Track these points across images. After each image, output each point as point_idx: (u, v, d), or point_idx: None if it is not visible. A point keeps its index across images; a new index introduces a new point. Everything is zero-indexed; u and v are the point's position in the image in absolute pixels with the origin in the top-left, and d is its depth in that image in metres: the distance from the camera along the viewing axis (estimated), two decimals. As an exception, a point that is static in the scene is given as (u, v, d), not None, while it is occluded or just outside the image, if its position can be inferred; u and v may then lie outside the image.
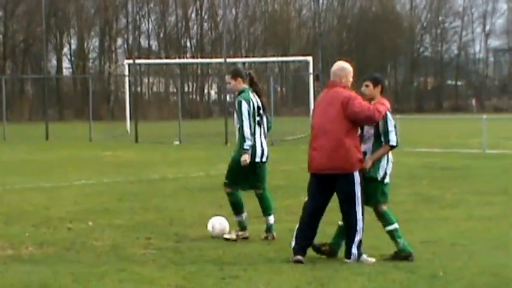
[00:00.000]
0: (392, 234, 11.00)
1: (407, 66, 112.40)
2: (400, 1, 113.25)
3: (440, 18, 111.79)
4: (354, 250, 10.77)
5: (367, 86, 11.10)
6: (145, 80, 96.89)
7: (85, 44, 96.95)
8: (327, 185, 11.01)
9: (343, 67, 11.04)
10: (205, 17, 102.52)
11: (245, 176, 12.67)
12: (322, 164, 10.90)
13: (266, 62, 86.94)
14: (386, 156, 10.98)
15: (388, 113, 10.92)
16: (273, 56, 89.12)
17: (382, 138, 10.93)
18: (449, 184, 20.32)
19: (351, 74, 11.02)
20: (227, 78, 12.95)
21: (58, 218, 14.76)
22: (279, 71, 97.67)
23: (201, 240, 12.37)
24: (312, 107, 50.89)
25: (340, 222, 11.20)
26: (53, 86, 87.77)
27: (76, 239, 12.55)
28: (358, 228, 10.83)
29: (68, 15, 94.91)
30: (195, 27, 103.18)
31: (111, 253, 11.09)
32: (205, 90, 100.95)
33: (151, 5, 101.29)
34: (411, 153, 32.39)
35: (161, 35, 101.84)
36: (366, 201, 10.97)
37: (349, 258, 10.74)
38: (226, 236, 12.44)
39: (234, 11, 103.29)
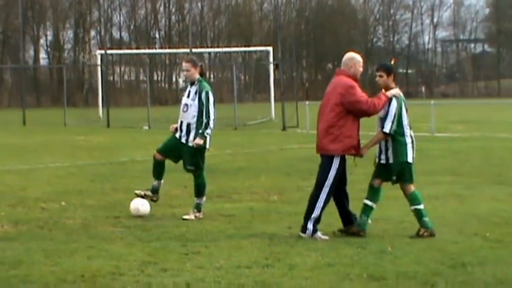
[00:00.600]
0: (417, 213, 10.88)
1: (361, 55, 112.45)
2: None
3: (391, 11, 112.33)
4: (310, 226, 10.75)
5: (380, 76, 10.99)
6: (117, 69, 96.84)
7: (60, 36, 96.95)
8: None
9: (353, 57, 11.01)
10: (173, 10, 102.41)
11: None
12: (317, 145, 11.00)
13: (230, 52, 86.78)
14: (410, 139, 10.86)
15: (394, 101, 10.78)
16: (237, 46, 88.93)
17: (379, 123, 10.86)
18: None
19: (360, 64, 10.95)
20: (187, 65, 12.51)
21: (33, 199, 14.64)
22: (242, 60, 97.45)
23: (166, 218, 12.33)
24: (272, 94, 51.05)
25: (365, 201, 11.09)
26: (31, 75, 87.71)
27: (49, 218, 12.45)
28: (317, 206, 10.79)
29: (44, 9, 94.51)
30: (163, 19, 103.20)
31: (82, 231, 11.00)
32: (173, 79, 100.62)
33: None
34: (365, 136, 32.44)
35: (131, 27, 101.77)
36: (395, 181, 10.96)
37: (304, 232, 10.72)
38: (185, 216, 12.30)
39: (199, 4, 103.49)
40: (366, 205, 11.00)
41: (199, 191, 12.57)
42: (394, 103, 10.79)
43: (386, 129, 10.71)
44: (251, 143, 29.79)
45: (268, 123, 44.21)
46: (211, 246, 10.11)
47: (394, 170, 10.84)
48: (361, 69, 10.95)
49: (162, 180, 12.68)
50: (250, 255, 9.51)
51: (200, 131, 12.30)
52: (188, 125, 12.36)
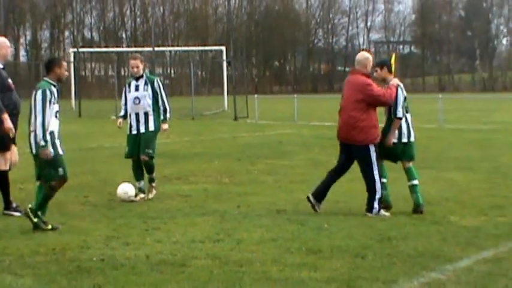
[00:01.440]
0: (411, 189, 11.08)
1: (304, 55, 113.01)
2: (298, 1, 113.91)
3: (330, 15, 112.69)
4: (376, 205, 10.80)
5: (376, 71, 11.19)
6: (89, 65, 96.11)
7: (38, 36, 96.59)
8: (346, 149, 11.20)
9: (367, 57, 11.11)
10: (138, 13, 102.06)
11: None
12: (342, 136, 11.19)
13: (188, 51, 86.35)
14: (406, 123, 11.07)
15: (398, 90, 10.99)
16: (194, 45, 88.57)
17: (392, 112, 11.01)
18: (336, 151, 20.15)
19: (371, 63, 11.06)
20: (137, 62, 12.36)
21: (11, 180, 14.40)
22: (199, 58, 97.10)
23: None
24: (225, 88, 50.97)
25: (384, 180, 11.11)
26: (12, 70, 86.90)
27: (25, 197, 12.28)
28: (376, 188, 10.83)
29: (23, 11, 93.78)
30: (130, 21, 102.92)
31: (54, 209, 10.84)
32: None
33: (93, 3, 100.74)
34: (306, 126, 32.58)
35: (101, 28, 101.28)
36: (394, 159, 11.22)
37: (371, 211, 10.78)
38: (150, 196, 12.27)
39: (161, 8, 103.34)
40: (410, 185, 11.14)
41: (151, 169, 12.41)
42: (399, 91, 11.01)
43: (400, 114, 10.96)
44: (206, 131, 29.74)
45: (221, 113, 44.12)
46: (170, 222, 10.07)
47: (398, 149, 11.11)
48: (370, 66, 11.11)
49: (143, 182, 12.43)
50: (203, 231, 9.48)
51: (163, 118, 12.27)
52: (145, 114, 12.21)
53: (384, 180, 11.06)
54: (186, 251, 8.38)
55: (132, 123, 12.37)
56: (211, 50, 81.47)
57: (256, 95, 42.19)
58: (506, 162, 17.65)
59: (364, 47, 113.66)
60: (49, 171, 9.72)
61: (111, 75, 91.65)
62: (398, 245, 8.70)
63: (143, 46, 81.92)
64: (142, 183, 12.42)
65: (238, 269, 7.59)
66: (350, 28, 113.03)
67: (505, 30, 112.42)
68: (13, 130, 10.70)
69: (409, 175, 11.14)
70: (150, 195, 12.30)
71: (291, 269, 7.56)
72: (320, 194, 11.19)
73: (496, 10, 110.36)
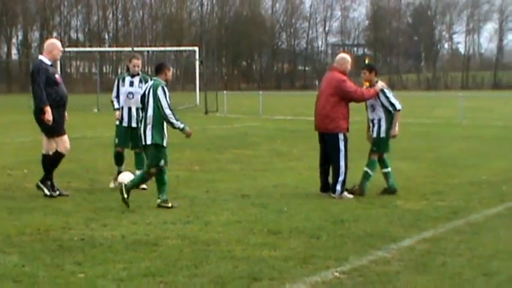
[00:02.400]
0: (385, 176, 11.34)
1: (269, 55, 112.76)
2: (264, 7, 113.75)
3: (293, 20, 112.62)
4: (338, 187, 10.94)
5: (364, 73, 11.35)
6: (74, 63, 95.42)
7: (29, 36, 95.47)
8: (322, 138, 11.28)
9: (344, 57, 11.32)
10: (120, 16, 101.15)
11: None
12: (318, 126, 11.25)
13: (165, 51, 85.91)
14: (384, 121, 11.25)
15: (386, 90, 11.19)
16: (170, 46, 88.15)
17: (391, 109, 11.20)
18: (296, 142, 20.44)
19: (349, 63, 11.20)
20: (139, 62, 12.27)
21: (0, 166, 14.30)
22: (175, 57, 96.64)
23: (109, 183, 12.09)
24: (198, 84, 50.75)
25: (365, 168, 11.32)
26: (4, 67, 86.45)
27: (13, 182, 12.24)
28: (340, 171, 10.93)
29: (16, 14, 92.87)
30: (112, 24, 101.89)
31: (40, 193, 10.75)
32: (119, 71, 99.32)
33: (79, 7, 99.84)
34: (269, 120, 32.57)
35: (86, 29, 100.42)
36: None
37: (334, 193, 10.92)
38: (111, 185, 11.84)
39: (141, 12, 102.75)
40: (384, 173, 11.44)
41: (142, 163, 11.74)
42: (386, 91, 11.23)
43: (399, 106, 11.24)
44: (180, 124, 29.55)
45: (194, 108, 43.87)
46: (144, 206, 10.01)
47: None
48: (349, 67, 11.22)
49: (123, 166, 12.21)
50: (174, 214, 9.43)
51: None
52: (137, 109, 11.79)
53: (388, 169, 11.37)
54: (158, 231, 8.32)
55: (124, 116, 12.05)
56: (185, 50, 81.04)
57: (225, 92, 42.11)
58: (447, 153, 17.79)
59: (323, 48, 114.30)
60: (155, 159, 10.09)
61: (94, 72, 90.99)
62: (350, 227, 8.73)
63: (124, 46, 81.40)
64: (120, 168, 12.10)
65: (205, 248, 7.55)
66: (310, 32, 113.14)
67: (446, 35, 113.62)
68: (51, 121, 10.74)
69: (383, 164, 11.43)
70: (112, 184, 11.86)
71: (253, 248, 7.53)
72: (325, 186, 11.25)
73: (439, 18, 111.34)
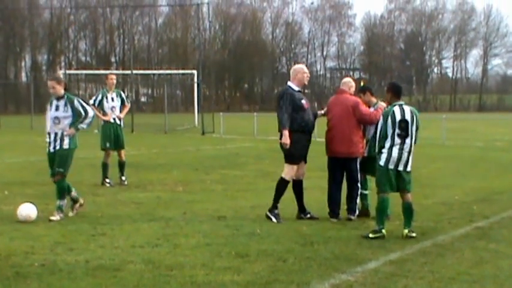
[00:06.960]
0: (361, 197, 10.91)
1: (269, 79, 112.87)
2: (265, 32, 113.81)
3: (292, 45, 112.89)
4: (356, 208, 10.69)
5: (360, 96, 11.02)
6: (83, 85, 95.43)
7: (37, 59, 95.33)
8: (341, 164, 10.81)
9: (350, 81, 11.01)
10: (126, 40, 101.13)
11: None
12: (337, 151, 10.79)
13: (165, 74, 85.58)
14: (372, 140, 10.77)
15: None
16: (176, 69, 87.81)
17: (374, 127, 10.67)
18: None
19: (354, 87, 10.95)
20: (52, 83, 10.44)
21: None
22: (179, 80, 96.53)
23: (88, 204, 11.50)
24: (196, 106, 50.42)
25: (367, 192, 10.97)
26: (13, 89, 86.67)
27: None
28: (358, 193, 10.72)
29: (24, 38, 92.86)
30: (119, 48, 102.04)
31: (12, 215, 10.21)
32: (126, 93, 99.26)
33: (87, 32, 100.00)
34: (263, 140, 32.15)
35: (93, 53, 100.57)
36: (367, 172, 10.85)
37: (354, 215, 10.61)
38: (52, 217, 10.25)
39: (147, 37, 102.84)
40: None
41: (62, 193, 10.55)
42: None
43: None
44: (174, 144, 29.14)
45: (192, 129, 43.53)
46: (117, 228, 9.56)
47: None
48: (354, 90, 10.96)
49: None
50: (145, 236, 9.01)
51: (75, 124, 10.54)
52: (62, 134, 10.47)
53: (366, 192, 10.93)
54: (124, 255, 7.89)
55: (52, 140, 10.63)
56: (183, 74, 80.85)
57: (221, 113, 41.79)
58: (425, 173, 17.37)
59: (321, 72, 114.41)
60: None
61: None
62: (318, 249, 8.35)
63: (129, 69, 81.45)
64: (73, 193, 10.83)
65: (168, 273, 7.14)
66: (309, 56, 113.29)
67: (436, 60, 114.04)
68: (287, 145, 10.44)
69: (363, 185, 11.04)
70: (53, 217, 10.31)
71: (216, 273, 7.13)
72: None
73: (430, 44, 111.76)
